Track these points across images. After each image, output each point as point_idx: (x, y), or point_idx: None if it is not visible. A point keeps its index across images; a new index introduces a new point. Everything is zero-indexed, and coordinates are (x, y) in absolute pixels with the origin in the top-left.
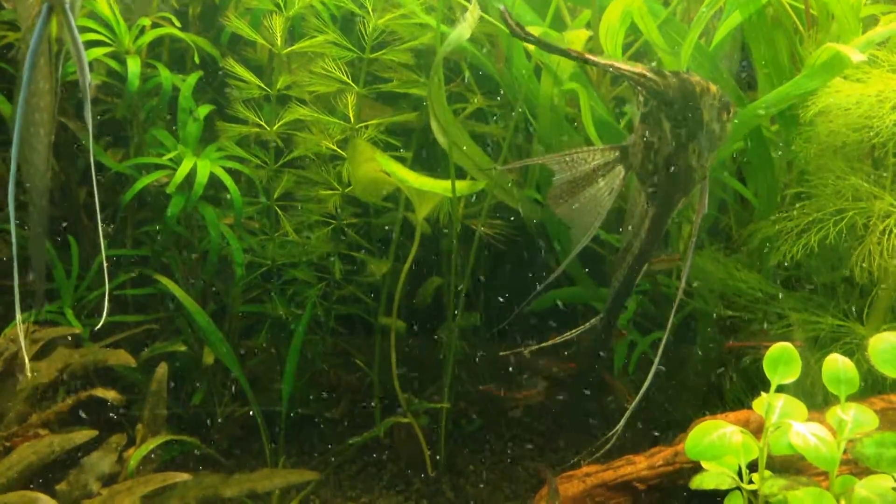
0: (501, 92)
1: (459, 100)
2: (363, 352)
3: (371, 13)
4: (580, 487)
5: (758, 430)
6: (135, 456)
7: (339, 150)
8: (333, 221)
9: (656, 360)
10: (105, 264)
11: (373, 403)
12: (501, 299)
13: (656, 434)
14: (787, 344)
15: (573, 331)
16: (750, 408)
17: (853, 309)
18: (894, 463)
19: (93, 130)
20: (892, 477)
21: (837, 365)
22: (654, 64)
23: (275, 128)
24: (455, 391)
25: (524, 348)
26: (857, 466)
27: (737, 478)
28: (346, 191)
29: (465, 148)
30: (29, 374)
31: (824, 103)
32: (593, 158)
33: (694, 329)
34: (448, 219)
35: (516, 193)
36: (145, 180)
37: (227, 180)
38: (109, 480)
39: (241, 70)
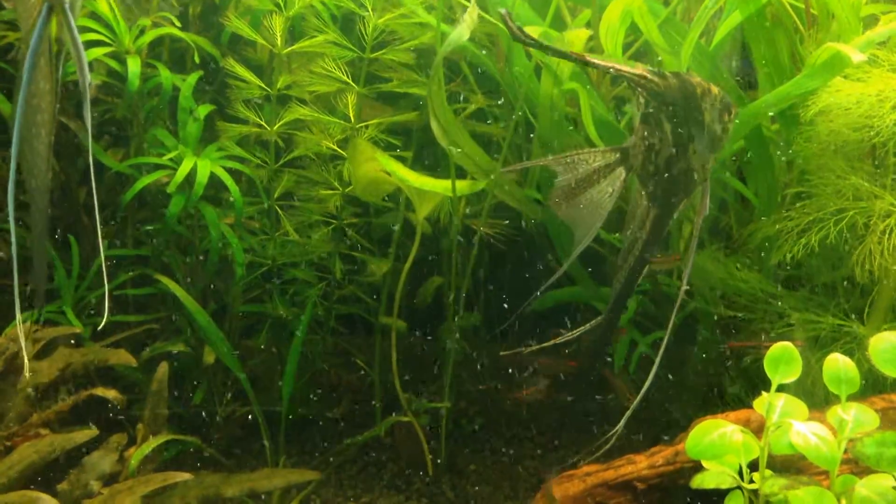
0: (502, 91)
1: (460, 99)
2: (364, 351)
3: (371, 13)
4: (581, 487)
5: (758, 430)
6: (135, 455)
7: (339, 150)
8: (334, 221)
9: (657, 360)
10: (105, 264)
11: (373, 403)
12: (502, 299)
13: (657, 433)
14: (788, 343)
15: (575, 331)
16: (751, 407)
17: (854, 308)
18: (895, 462)
19: (93, 130)
20: (893, 476)
21: (838, 364)
22: (658, 60)
23: (275, 127)
24: (456, 390)
25: (525, 348)
26: (857, 466)
27: (737, 477)
28: (347, 190)
29: (465, 148)
30: (27, 375)
31: (825, 103)
32: (594, 160)
33: (694, 328)
34: (449, 218)
35: (517, 193)
36: (145, 180)
37: (228, 180)
38: (110, 480)
39: (241, 70)
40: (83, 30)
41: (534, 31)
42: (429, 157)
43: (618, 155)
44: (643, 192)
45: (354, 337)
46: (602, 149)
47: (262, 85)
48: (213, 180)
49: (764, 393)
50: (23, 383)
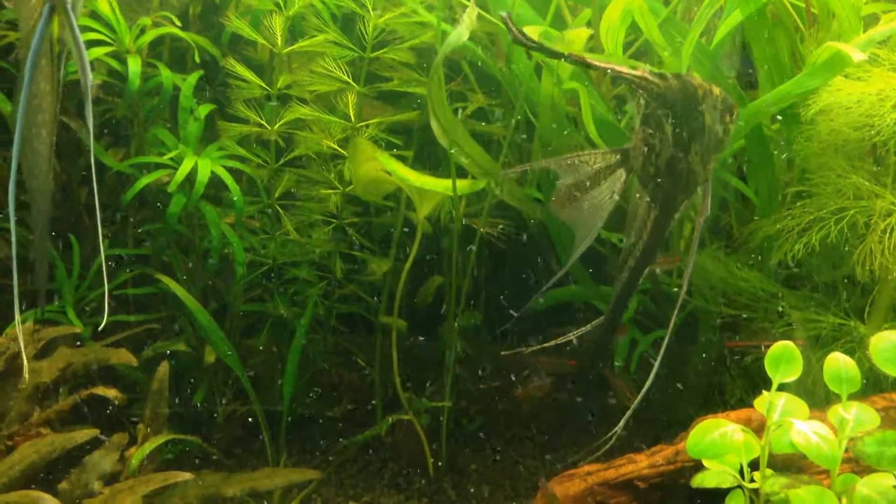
0: (502, 90)
1: (460, 98)
2: (364, 351)
3: (371, 12)
4: (581, 486)
5: (759, 429)
6: (136, 455)
7: (339, 149)
8: (334, 220)
9: (658, 360)
10: (106, 264)
11: (374, 402)
12: (502, 298)
13: (657, 432)
14: (789, 342)
15: (576, 331)
16: (751, 406)
17: (854, 308)
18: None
19: (94, 130)
20: (894, 475)
21: (839, 363)
22: (658, 60)
23: (276, 127)
24: (457, 390)
25: (525, 347)
26: (858, 465)
27: (738, 476)
28: (347, 190)
29: (465, 147)
30: (27, 375)
31: (825, 102)
32: (595, 161)
33: (695, 328)
34: (449, 218)
35: (517, 192)
36: (146, 179)
37: (228, 179)
38: (111, 479)
39: (241, 69)
40: (83, 29)
41: (534, 30)
42: (429, 157)
43: (618, 156)
44: (644, 194)
45: (355, 336)
46: (602, 150)
47: (263, 84)
48: (214, 180)
49: (765, 392)
50: (24, 383)
